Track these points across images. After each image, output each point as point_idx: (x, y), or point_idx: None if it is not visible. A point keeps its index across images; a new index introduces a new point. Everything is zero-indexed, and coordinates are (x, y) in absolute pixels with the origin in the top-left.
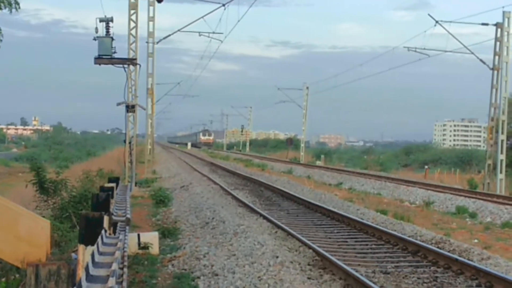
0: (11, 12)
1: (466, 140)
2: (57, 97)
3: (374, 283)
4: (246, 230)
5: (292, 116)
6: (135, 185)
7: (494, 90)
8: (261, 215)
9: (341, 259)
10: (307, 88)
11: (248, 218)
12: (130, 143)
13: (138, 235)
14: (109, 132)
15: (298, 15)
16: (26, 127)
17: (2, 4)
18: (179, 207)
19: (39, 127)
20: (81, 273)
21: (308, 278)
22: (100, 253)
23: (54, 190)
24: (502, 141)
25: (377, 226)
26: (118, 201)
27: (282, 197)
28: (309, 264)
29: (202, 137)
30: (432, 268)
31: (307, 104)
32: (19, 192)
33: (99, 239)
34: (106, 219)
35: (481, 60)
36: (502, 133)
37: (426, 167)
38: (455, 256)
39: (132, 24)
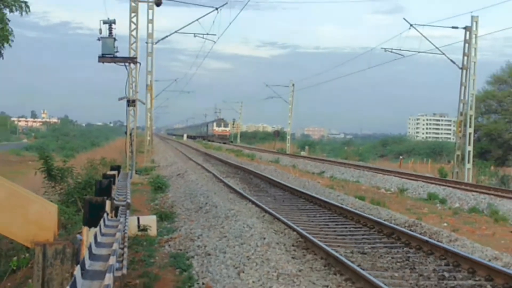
0: (22, 14)
1: (437, 133)
2: (64, 92)
3: (352, 262)
4: (236, 214)
5: (279, 111)
6: (135, 173)
7: (463, 88)
8: (250, 200)
9: (322, 240)
10: (293, 85)
11: (238, 203)
12: (130, 134)
13: (138, 218)
14: (111, 125)
15: (284, 18)
16: (35, 120)
17: (13, 7)
18: (175, 193)
19: (48, 120)
20: (84, 252)
21: (292, 258)
22: (102, 234)
23: (61, 177)
24: (470, 134)
25: (356, 211)
26: (120, 187)
27: (269, 184)
28: (293, 245)
29: (216, 128)
30: (405, 249)
31: (292, 99)
32: (29, 178)
33: (101, 222)
34: (108, 203)
35: (451, 60)
36: (470, 126)
37: (400, 157)
38: (426, 238)
39: (133, 26)
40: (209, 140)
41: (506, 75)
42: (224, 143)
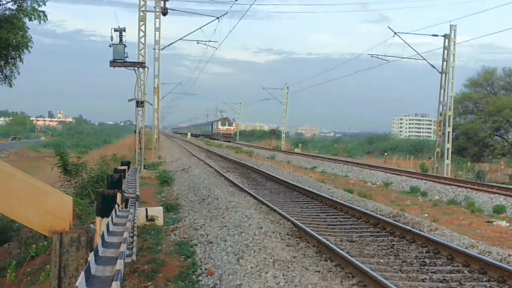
0: (40, 22)
1: (419, 132)
2: (78, 93)
3: (341, 249)
4: (236, 206)
5: (274, 111)
6: (144, 168)
7: (442, 90)
8: (248, 193)
9: (314, 230)
10: (287, 88)
11: (238, 196)
12: (139, 133)
13: (146, 209)
14: (122, 124)
15: (280, 27)
16: (52, 119)
17: (32, 16)
18: (180, 186)
19: (63, 119)
20: (97, 240)
21: (287, 245)
22: (114, 224)
23: (76, 172)
24: (448, 132)
25: (345, 203)
26: (129, 181)
27: (266, 178)
28: (287, 234)
29: (221, 127)
30: (389, 237)
31: (287, 101)
32: (46, 173)
33: (113, 212)
34: (119, 196)
35: (431, 65)
36: (449, 126)
37: (385, 154)
38: (409, 227)
39: (141, 34)
40: (214, 139)
41: (482, 79)
42: (229, 141)
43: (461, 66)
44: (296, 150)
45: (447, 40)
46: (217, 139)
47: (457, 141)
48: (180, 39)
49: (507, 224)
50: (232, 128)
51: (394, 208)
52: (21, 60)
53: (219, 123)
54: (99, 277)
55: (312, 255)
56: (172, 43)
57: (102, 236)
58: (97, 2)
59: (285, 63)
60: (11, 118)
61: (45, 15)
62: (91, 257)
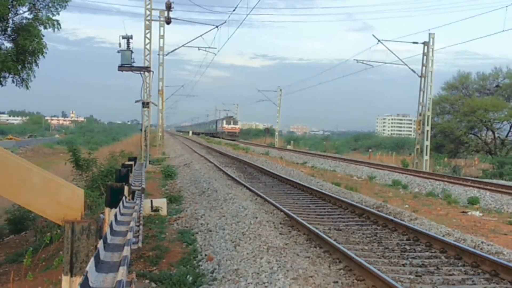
0: (54, 30)
1: (401, 130)
2: (89, 95)
3: (329, 237)
4: (233, 197)
5: (269, 111)
6: (149, 163)
7: (421, 93)
8: (244, 186)
9: (305, 219)
10: (280, 90)
11: (235, 188)
12: (145, 131)
13: (151, 201)
14: (129, 123)
15: (273, 35)
16: (65, 119)
17: (47, 25)
18: (182, 180)
19: (76, 119)
20: (106, 229)
21: (280, 234)
22: (122, 214)
23: (87, 167)
24: (427, 131)
25: (332, 195)
26: (136, 175)
27: (261, 172)
28: (280, 223)
29: (226, 126)
30: (373, 226)
31: (280, 102)
32: (60, 168)
33: (120, 204)
34: (126, 188)
35: (412, 70)
36: (427, 125)
37: (370, 150)
38: (391, 217)
39: (147, 41)
40: (218, 137)
41: (457, 83)
42: (234, 140)
43: (438, 70)
44: (289, 147)
45: (426, 47)
46: (222, 138)
47: (435, 139)
48: (183, 45)
49: (480, 214)
50: (237, 126)
51: (377, 199)
52: (36, 65)
53: (224, 121)
54: (108, 262)
55: (302, 242)
56: (175, 49)
57: (111, 225)
58: (107, 12)
59: (279, 67)
60: (27, 117)
61: (58, 24)
62: (100, 244)
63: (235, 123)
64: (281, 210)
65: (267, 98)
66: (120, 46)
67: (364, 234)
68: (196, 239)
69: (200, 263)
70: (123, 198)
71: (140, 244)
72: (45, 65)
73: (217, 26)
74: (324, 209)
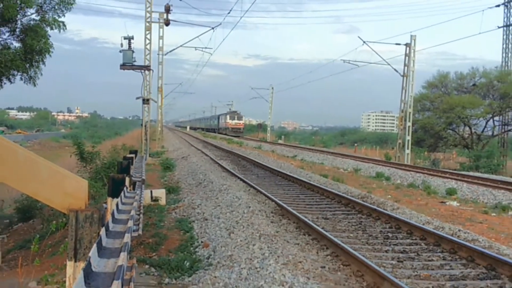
0: (59, 31)
1: (384, 126)
2: (93, 92)
3: (317, 225)
4: (228, 188)
5: (261, 108)
6: (149, 156)
7: (404, 91)
8: (238, 177)
9: (294, 209)
10: (272, 88)
11: (229, 180)
12: (145, 126)
13: (151, 191)
14: (130, 118)
15: (266, 36)
16: (71, 114)
17: (53, 26)
18: (180, 172)
19: (80, 114)
20: (109, 217)
21: (271, 222)
22: (123, 203)
23: (91, 159)
24: (409, 126)
25: (320, 186)
26: (136, 167)
27: (253, 165)
28: (272, 212)
29: (230, 121)
30: (358, 215)
31: (272, 99)
32: (65, 160)
33: (122, 194)
34: (127, 179)
35: (395, 70)
36: (409, 121)
37: (355, 144)
38: (375, 206)
39: (147, 41)
40: (221, 133)
41: (437, 81)
42: (238, 136)
43: (420, 70)
44: (280, 141)
45: (408, 48)
46: (225, 134)
47: (416, 134)
48: (181, 46)
49: (458, 204)
50: (241, 122)
51: (362, 190)
52: (43, 63)
53: (228, 116)
54: (109, 248)
55: (292, 230)
56: (174, 49)
57: (113, 214)
58: (110, 14)
59: (271, 67)
60: (35, 113)
61: (64, 25)
62: (102, 231)
63: (240, 118)
64: (273, 200)
65: (259, 96)
66: (122, 46)
67: (350, 223)
68: (193, 227)
69: (197, 249)
70: (125, 188)
71: (140, 232)
72: (51, 64)
73: (213, 28)
74: (313, 199)
